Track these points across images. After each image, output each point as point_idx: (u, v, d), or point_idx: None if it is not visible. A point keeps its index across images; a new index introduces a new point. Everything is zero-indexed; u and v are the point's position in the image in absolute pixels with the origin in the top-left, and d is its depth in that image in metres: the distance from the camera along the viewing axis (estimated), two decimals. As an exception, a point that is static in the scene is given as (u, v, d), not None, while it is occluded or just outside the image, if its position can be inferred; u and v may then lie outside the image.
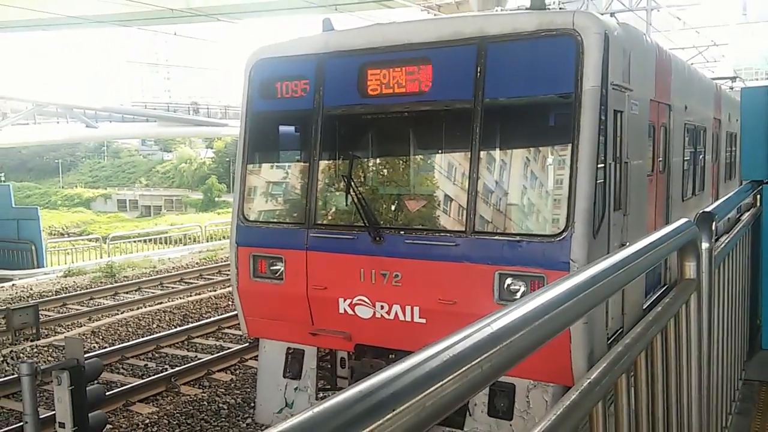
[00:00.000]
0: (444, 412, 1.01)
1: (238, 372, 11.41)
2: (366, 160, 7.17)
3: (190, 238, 32.09)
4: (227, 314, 14.68)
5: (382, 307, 6.26)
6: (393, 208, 6.67)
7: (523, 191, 6.11)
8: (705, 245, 3.06)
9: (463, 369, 1.04)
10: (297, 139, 7.42)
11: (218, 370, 11.31)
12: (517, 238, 5.82)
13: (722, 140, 12.72)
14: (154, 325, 14.47)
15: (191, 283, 19.28)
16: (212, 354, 12.07)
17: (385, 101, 6.48)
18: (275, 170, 7.75)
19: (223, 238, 31.36)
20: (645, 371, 2.16)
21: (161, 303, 16.57)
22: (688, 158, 9.50)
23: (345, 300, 6.43)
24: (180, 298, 17.17)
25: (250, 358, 11.83)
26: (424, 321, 6.08)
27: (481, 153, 5.98)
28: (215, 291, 17.83)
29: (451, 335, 1.13)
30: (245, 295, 7.17)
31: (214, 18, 32.56)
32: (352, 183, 6.63)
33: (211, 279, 19.83)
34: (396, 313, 6.18)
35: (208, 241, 30.04)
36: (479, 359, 1.08)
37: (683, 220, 2.85)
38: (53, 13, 32.70)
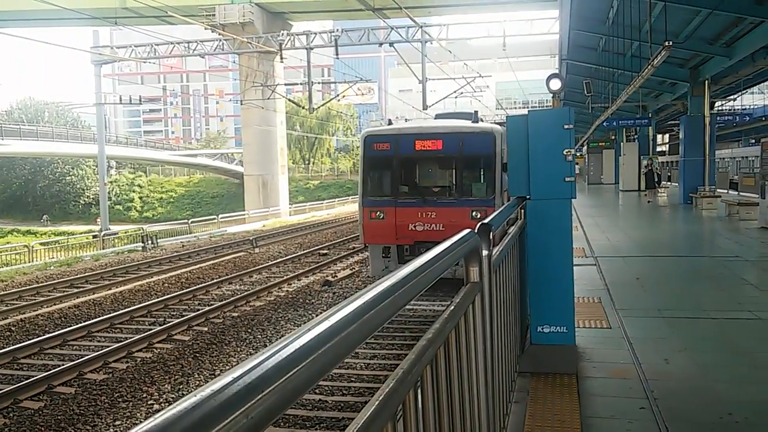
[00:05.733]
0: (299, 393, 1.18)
1: (11, 416, 10.28)
2: (418, 172, 16.04)
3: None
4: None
5: (427, 226, 14.65)
6: (430, 190, 15.40)
7: (477, 184, 15.04)
8: (485, 252, 3.48)
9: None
10: (388, 165, 15.58)
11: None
12: (476, 199, 14.59)
13: None
14: None
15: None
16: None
17: (424, 153, 15.12)
18: (377, 177, 16.09)
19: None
20: (444, 363, 2.44)
21: None
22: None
23: (412, 224, 14.76)
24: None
25: (59, 384, 10.74)
26: (444, 229, 14.21)
27: (462, 171, 15.25)
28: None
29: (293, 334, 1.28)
30: (366, 227, 15.31)
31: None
32: (415, 180, 15.76)
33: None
34: (432, 227, 14.59)
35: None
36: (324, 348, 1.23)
37: (467, 231, 3.23)
38: None
